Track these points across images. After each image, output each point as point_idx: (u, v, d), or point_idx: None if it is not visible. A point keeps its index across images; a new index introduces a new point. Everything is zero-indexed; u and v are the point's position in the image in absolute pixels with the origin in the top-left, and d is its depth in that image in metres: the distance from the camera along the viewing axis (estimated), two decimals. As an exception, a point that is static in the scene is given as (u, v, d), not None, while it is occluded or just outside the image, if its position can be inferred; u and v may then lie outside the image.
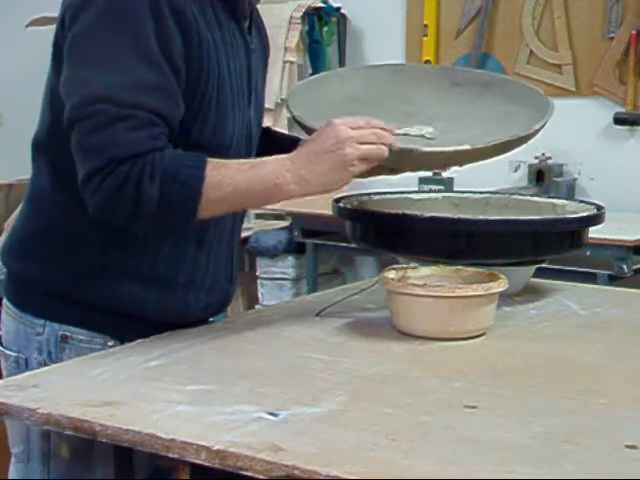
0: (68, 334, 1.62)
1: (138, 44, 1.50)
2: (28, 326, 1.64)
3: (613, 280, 3.27)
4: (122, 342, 1.61)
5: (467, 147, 1.74)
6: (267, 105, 1.90)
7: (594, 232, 1.97)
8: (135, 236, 1.60)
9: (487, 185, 3.28)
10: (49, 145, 1.61)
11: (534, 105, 1.95)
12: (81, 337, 1.62)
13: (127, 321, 1.62)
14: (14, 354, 1.65)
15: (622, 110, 3.81)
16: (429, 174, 3.87)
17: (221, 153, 1.59)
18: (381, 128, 1.58)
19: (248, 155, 1.71)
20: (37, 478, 1.59)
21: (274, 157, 1.57)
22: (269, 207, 4.15)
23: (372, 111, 1.85)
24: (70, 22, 1.53)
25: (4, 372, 1.66)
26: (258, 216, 4.18)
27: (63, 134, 1.53)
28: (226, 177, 1.51)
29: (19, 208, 1.76)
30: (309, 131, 1.73)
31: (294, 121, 1.81)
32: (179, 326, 1.67)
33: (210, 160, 1.51)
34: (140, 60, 1.49)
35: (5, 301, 1.68)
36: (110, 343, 1.61)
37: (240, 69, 1.66)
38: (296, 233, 4.02)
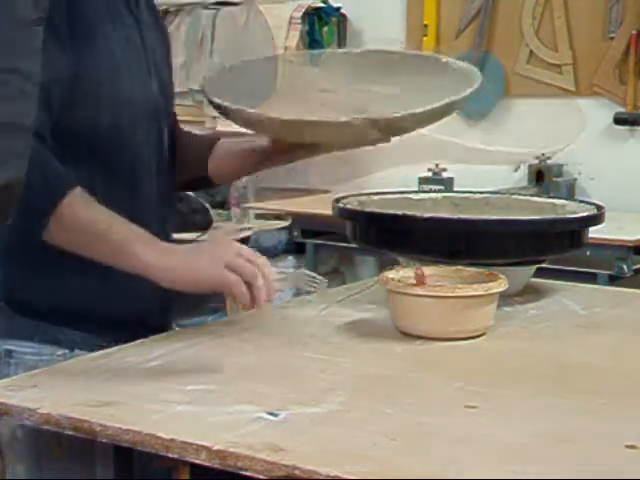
0: (12, 348, 1.56)
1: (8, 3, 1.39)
2: None
3: (613, 280, 3.27)
4: (72, 350, 1.56)
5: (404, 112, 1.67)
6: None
7: (594, 232, 1.97)
8: None
9: (487, 185, 3.28)
10: None
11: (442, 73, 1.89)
12: (27, 350, 1.56)
13: (73, 323, 1.56)
14: None
15: (622, 110, 3.81)
16: (429, 174, 3.87)
17: (126, 131, 1.55)
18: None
19: (160, 134, 1.68)
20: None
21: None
22: (269, 207, 4.15)
23: (297, 103, 1.83)
24: None
25: None
26: (258, 216, 4.18)
27: None
28: (92, 209, 1.43)
29: None
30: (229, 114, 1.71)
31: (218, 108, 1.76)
32: (130, 322, 1.61)
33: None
34: (10, 21, 1.37)
35: None
36: (59, 352, 1.56)
37: (132, 40, 1.62)
38: (296, 233, 4.02)
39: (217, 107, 1.76)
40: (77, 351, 1.56)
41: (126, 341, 1.57)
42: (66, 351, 1.57)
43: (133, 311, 1.64)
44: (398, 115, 1.68)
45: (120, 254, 1.43)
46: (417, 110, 1.70)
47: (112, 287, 1.57)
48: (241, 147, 1.82)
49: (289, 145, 1.76)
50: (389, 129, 1.69)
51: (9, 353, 1.56)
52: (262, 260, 1.46)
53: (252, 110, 1.67)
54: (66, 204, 1.41)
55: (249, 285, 1.43)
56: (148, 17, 1.72)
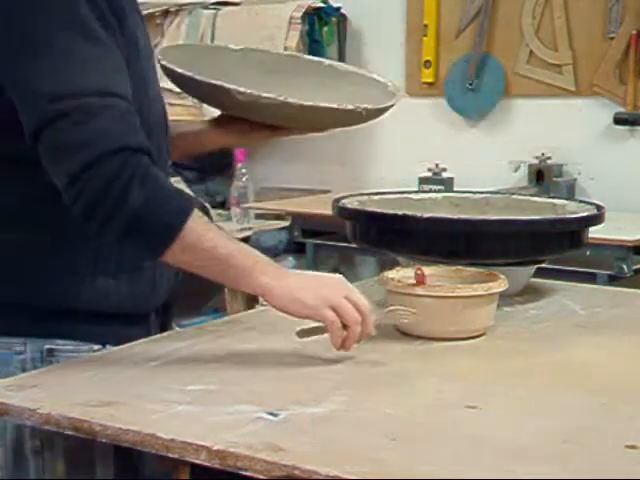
0: (54, 347, 1.57)
1: (75, 22, 1.42)
2: (2, 348, 1.57)
3: (613, 280, 3.27)
4: (104, 345, 1.59)
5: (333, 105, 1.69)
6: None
7: (594, 232, 1.97)
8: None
9: (487, 185, 3.29)
10: None
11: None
12: (68, 347, 1.57)
13: (105, 320, 1.59)
14: None
15: (622, 110, 3.81)
16: (429, 174, 3.88)
17: (153, 136, 1.55)
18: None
19: (166, 141, 1.66)
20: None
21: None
22: (269, 207, 4.15)
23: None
24: None
25: None
26: (258, 216, 4.18)
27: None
28: (212, 231, 1.46)
29: None
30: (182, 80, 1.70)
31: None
32: (145, 315, 1.66)
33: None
34: (84, 39, 1.42)
35: None
36: (95, 347, 1.59)
37: (140, 26, 1.60)
38: (296, 233, 4.02)
39: (189, 80, 1.68)
40: (108, 346, 1.59)
41: (150, 333, 1.66)
42: (100, 346, 1.59)
43: (155, 304, 1.68)
44: (384, 105, 1.76)
45: (239, 277, 1.47)
46: (392, 102, 1.78)
47: (137, 285, 1.62)
48: (197, 127, 1.84)
49: (258, 127, 1.75)
50: (370, 117, 1.74)
51: (51, 352, 1.57)
52: (366, 306, 1.49)
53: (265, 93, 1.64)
54: (189, 227, 1.43)
55: (346, 326, 1.48)
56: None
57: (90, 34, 1.43)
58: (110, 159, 1.39)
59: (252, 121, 1.75)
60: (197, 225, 1.44)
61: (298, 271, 1.52)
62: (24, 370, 1.54)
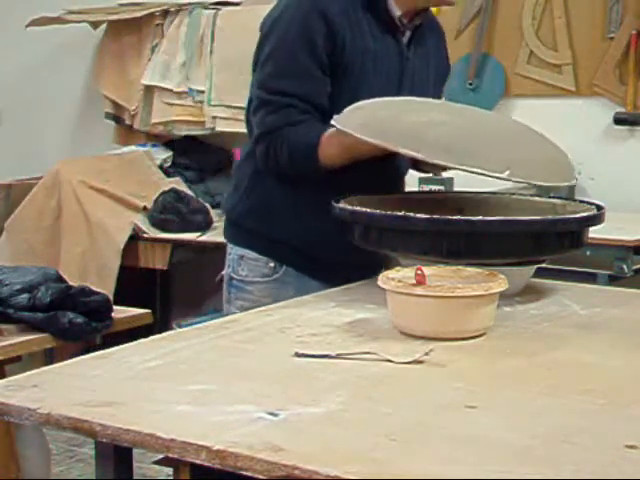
0: (243, 254, 2.18)
1: (284, 46, 2.07)
2: (227, 252, 2.23)
3: (613, 280, 3.27)
4: (281, 264, 2.14)
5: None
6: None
7: (594, 232, 1.97)
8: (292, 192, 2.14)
9: (487, 185, 3.28)
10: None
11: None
12: (252, 256, 2.17)
13: (284, 248, 2.14)
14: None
15: (622, 110, 3.81)
16: (429, 174, 3.87)
17: None
18: None
19: None
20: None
21: None
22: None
23: None
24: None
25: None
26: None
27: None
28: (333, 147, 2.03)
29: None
30: None
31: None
32: (318, 257, 2.15)
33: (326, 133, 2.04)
34: (287, 57, 2.06)
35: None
36: (271, 264, 2.15)
37: (389, 73, 2.12)
38: (296, 233, 4.01)
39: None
40: (285, 267, 2.17)
41: (331, 279, 2.12)
42: (277, 263, 2.16)
43: (330, 251, 2.14)
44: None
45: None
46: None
47: (309, 230, 2.12)
48: None
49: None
50: None
51: (242, 257, 2.19)
52: None
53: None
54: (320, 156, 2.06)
55: None
56: (420, 52, 2.24)
57: (291, 54, 2.07)
58: (263, 139, 2.09)
59: None
60: (323, 150, 2.04)
61: None
62: (229, 267, 2.23)
